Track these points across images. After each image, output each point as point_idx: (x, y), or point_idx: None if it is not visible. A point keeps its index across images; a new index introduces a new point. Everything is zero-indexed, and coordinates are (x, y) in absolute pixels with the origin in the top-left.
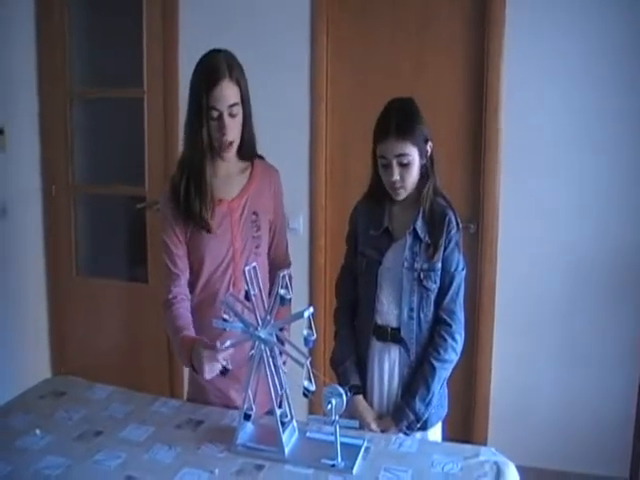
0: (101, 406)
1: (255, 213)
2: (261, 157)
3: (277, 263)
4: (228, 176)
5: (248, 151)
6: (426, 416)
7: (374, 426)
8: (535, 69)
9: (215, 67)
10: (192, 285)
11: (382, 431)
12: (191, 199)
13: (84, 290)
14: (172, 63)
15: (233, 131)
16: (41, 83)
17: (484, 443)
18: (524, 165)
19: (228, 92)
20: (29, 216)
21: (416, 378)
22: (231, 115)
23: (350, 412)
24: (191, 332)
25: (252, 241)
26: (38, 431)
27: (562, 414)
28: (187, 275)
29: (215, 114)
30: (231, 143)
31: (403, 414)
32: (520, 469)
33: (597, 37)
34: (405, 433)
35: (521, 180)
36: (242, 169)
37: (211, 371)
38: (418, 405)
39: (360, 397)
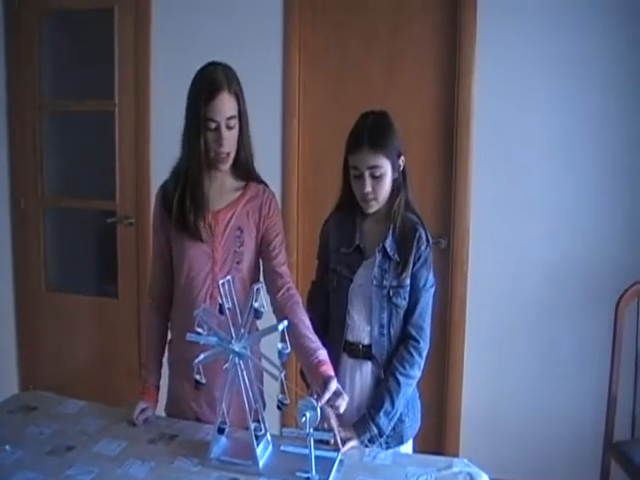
0: (73, 421)
1: (240, 229)
2: (263, 182)
3: (286, 282)
4: (221, 188)
5: (243, 170)
6: (388, 431)
7: (334, 422)
8: (507, 78)
9: (214, 79)
10: (177, 281)
11: (343, 440)
12: (186, 209)
13: (53, 305)
14: (144, 76)
15: (230, 143)
16: (10, 94)
17: (456, 456)
18: (496, 178)
19: (226, 104)
20: None
21: (381, 392)
22: (228, 127)
23: None
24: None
25: (234, 255)
26: (8, 447)
27: (534, 427)
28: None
29: (212, 125)
30: (228, 154)
31: (367, 427)
32: None
33: (570, 45)
34: (366, 445)
35: (493, 193)
36: (236, 187)
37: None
38: (382, 419)
39: None
